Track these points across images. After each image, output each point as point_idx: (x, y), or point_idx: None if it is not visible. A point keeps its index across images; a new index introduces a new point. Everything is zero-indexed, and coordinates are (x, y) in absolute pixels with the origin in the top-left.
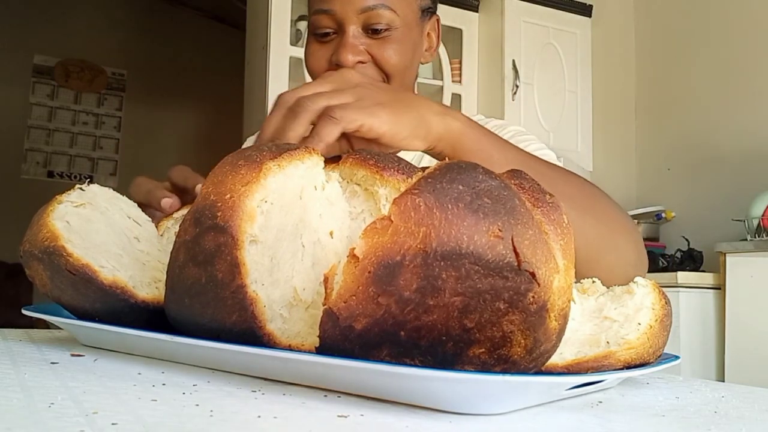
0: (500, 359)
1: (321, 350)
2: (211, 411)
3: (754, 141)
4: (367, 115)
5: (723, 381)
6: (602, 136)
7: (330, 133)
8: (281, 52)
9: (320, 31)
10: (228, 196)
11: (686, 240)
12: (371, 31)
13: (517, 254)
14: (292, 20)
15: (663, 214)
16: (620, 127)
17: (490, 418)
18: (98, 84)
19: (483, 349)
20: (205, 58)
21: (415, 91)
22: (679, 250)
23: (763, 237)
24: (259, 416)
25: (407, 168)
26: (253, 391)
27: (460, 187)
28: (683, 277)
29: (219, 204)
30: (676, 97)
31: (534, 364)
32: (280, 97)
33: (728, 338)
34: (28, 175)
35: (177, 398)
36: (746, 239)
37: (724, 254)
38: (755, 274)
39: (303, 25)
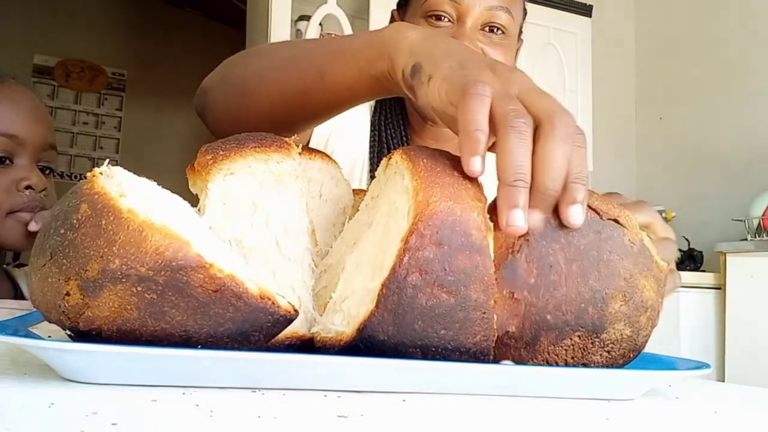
0: (641, 306)
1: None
2: (211, 411)
3: (754, 141)
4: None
5: (723, 381)
6: (602, 136)
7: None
8: None
9: (436, 14)
10: (475, 213)
11: (686, 240)
12: (487, 29)
13: (595, 211)
14: (292, 20)
15: (663, 214)
16: (620, 127)
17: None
18: (98, 84)
19: (621, 302)
20: (206, 59)
21: None
22: (679, 249)
23: (763, 237)
24: (259, 416)
25: None
26: (253, 391)
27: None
28: (683, 277)
29: (470, 221)
30: (676, 98)
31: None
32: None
33: (728, 338)
34: None
35: (177, 398)
36: (746, 239)
37: (724, 254)
38: (755, 274)
39: (303, 26)
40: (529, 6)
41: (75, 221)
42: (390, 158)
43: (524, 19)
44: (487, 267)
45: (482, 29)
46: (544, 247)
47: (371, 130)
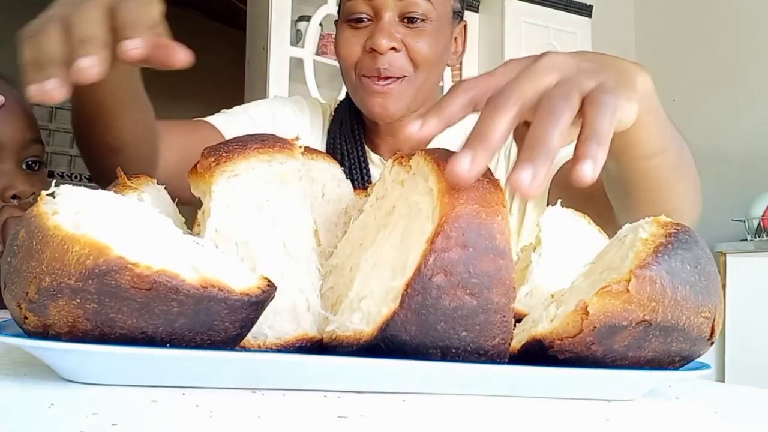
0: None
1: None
2: (211, 411)
3: (755, 141)
4: (625, 98)
5: (723, 381)
6: None
7: (611, 129)
8: (281, 52)
9: (355, 17)
10: (500, 217)
11: None
12: (407, 20)
13: (712, 331)
14: (292, 20)
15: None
16: None
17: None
18: None
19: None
20: (205, 58)
21: (433, 93)
22: None
23: (763, 237)
24: (259, 416)
25: None
26: (253, 392)
27: (688, 267)
28: None
29: (494, 225)
30: (675, 98)
31: None
32: (462, 85)
33: (728, 338)
34: None
35: (177, 398)
36: (746, 239)
37: (724, 254)
38: (755, 274)
39: (303, 26)
40: (529, 6)
41: (15, 248)
42: (397, 160)
43: (463, 1)
44: (509, 271)
45: (401, 20)
46: (654, 335)
47: (328, 138)
